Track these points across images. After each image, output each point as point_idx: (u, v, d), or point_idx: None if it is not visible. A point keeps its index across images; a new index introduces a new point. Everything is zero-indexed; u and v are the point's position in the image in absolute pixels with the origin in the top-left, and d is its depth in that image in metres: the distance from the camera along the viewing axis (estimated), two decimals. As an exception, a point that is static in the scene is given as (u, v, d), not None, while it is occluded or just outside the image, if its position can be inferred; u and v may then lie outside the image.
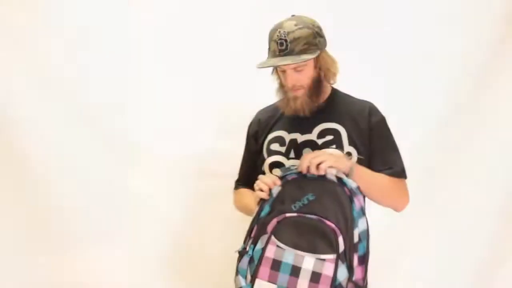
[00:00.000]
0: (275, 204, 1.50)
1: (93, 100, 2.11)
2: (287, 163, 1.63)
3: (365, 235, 1.48)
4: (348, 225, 1.44)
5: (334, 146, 1.61)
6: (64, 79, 2.09)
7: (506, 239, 2.28)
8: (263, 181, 1.51)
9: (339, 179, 1.48)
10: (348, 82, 2.21)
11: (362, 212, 1.49)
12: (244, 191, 1.76)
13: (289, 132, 1.66)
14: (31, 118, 2.07)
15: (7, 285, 2.08)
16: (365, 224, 1.48)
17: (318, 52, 1.58)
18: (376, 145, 1.65)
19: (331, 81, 1.68)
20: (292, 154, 1.63)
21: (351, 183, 1.49)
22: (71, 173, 2.10)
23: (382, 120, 1.69)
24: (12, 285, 2.09)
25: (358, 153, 1.63)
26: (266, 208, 1.50)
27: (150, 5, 2.14)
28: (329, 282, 1.40)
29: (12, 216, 2.09)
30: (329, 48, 2.20)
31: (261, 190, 1.50)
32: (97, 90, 2.11)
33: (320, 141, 1.62)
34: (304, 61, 1.55)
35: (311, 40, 1.56)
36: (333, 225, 1.43)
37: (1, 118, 2.05)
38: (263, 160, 1.68)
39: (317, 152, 1.51)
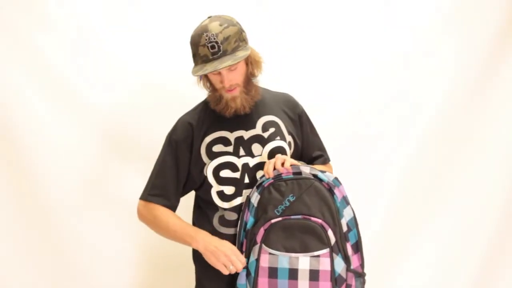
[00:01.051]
0: (258, 213, 1.51)
1: (93, 100, 2.11)
2: (239, 161, 1.61)
3: (353, 223, 1.51)
4: (334, 216, 1.46)
5: (278, 137, 1.64)
6: (64, 79, 2.09)
7: (508, 239, 2.28)
8: (231, 259, 1.49)
9: (315, 175, 1.51)
10: (348, 82, 2.23)
11: (345, 201, 1.52)
12: (170, 215, 1.64)
13: (232, 131, 1.63)
14: (31, 118, 2.06)
15: (7, 285, 2.08)
16: (351, 212, 1.51)
17: (249, 47, 1.57)
18: (307, 132, 1.74)
19: (258, 73, 1.65)
20: (242, 152, 1.62)
21: (329, 176, 1.52)
22: (71, 173, 2.10)
23: (303, 109, 1.76)
24: (12, 285, 2.08)
25: (295, 141, 1.68)
26: (250, 220, 1.52)
27: (150, 5, 2.14)
28: (328, 276, 1.42)
29: (12, 216, 2.08)
30: (332, 49, 2.22)
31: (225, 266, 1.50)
32: (97, 90, 2.11)
33: (265, 135, 1.64)
34: (243, 59, 1.53)
35: (239, 37, 1.54)
36: (320, 221, 1.45)
37: (1, 118, 2.05)
38: (203, 165, 1.62)
39: (276, 157, 1.55)
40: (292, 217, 1.47)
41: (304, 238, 1.45)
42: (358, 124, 2.21)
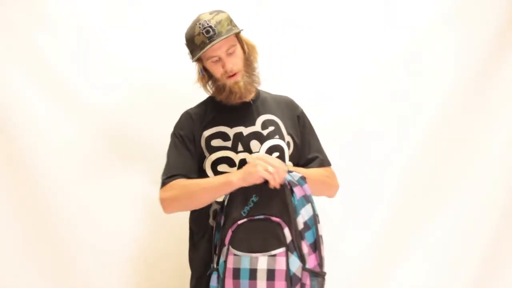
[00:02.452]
0: (227, 212, 1.52)
1: (93, 100, 2.11)
2: (236, 157, 1.63)
3: (313, 222, 1.49)
4: (290, 215, 1.46)
5: (277, 136, 1.66)
6: (64, 79, 2.08)
7: (508, 239, 2.28)
8: (273, 164, 1.46)
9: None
10: (348, 82, 2.23)
11: (306, 200, 1.50)
12: (195, 178, 1.60)
13: (231, 126, 1.66)
14: (31, 118, 2.06)
15: (7, 285, 2.08)
16: (311, 211, 1.50)
17: (239, 29, 1.64)
18: (305, 134, 1.75)
19: (255, 60, 1.70)
20: (240, 148, 1.64)
21: (294, 175, 1.52)
22: (71, 173, 2.10)
23: (303, 111, 1.79)
24: (12, 285, 2.08)
25: (294, 142, 1.70)
26: (224, 220, 1.53)
27: (150, 5, 2.14)
28: (283, 275, 1.41)
29: (12, 216, 2.08)
30: (332, 49, 2.22)
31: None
32: (97, 90, 2.11)
33: (265, 132, 1.66)
34: (236, 32, 1.60)
35: (230, 22, 1.63)
36: (278, 219, 1.46)
37: (1, 118, 2.05)
38: (202, 159, 1.65)
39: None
40: (255, 217, 1.48)
41: (265, 238, 1.45)
42: (358, 124, 2.21)
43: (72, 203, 2.10)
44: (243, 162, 1.61)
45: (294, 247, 1.44)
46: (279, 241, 1.43)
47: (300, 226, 1.46)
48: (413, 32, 2.21)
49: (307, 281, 1.43)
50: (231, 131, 1.65)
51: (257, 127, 1.67)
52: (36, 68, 2.06)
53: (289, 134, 1.69)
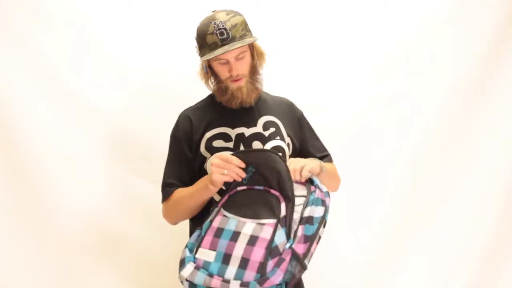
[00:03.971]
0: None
1: (93, 100, 2.11)
2: None
3: (318, 221, 1.47)
4: (289, 190, 1.45)
5: (278, 137, 1.67)
6: (64, 79, 2.08)
7: (508, 239, 2.28)
8: (228, 161, 1.46)
9: (310, 180, 1.52)
10: (348, 82, 2.23)
11: (322, 203, 1.49)
12: (183, 189, 1.64)
13: (233, 127, 1.66)
14: (31, 118, 2.06)
15: (7, 285, 2.08)
16: (322, 213, 1.48)
17: (254, 36, 1.62)
18: (306, 135, 1.76)
19: (261, 68, 1.69)
20: (242, 148, 1.64)
21: (321, 187, 1.51)
22: (71, 173, 2.10)
23: (303, 113, 1.79)
24: (12, 285, 2.08)
25: (293, 143, 1.70)
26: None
27: (151, 5, 2.14)
28: (264, 244, 1.40)
29: (11, 216, 2.08)
30: (332, 49, 2.22)
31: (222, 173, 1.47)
32: (97, 90, 2.11)
33: (266, 133, 1.67)
34: (252, 42, 1.58)
35: (245, 26, 1.61)
36: (277, 193, 1.46)
37: (1, 118, 2.05)
38: (203, 160, 1.65)
39: (293, 160, 1.55)
40: (256, 187, 1.48)
41: (258, 207, 1.45)
42: (358, 124, 2.22)
43: (72, 203, 2.10)
44: None
45: (285, 223, 1.43)
46: (272, 213, 1.43)
47: (306, 214, 1.45)
48: (413, 32, 2.21)
49: (287, 258, 1.39)
50: (232, 132, 1.65)
51: (258, 128, 1.66)
52: (36, 68, 2.06)
53: (288, 135, 1.70)
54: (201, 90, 1.74)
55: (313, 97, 2.14)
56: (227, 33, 1.55)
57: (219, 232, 1.45)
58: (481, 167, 2.26)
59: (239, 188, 1.49)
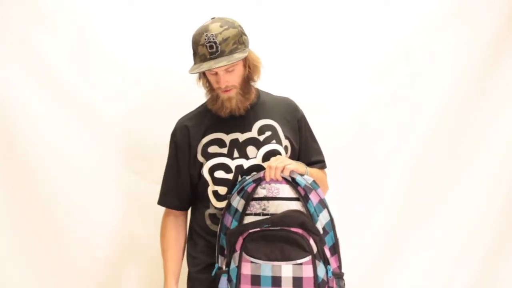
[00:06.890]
0: (241, 219, 1.53)
1: (93, 100, 2.11)
2: (232, 163, 1.64)
3: (330, 226, 1.53)
4: (310, 224, 1.48)
5: (274, 141, 1.67)
6: (64, 79, 2.08)
7: (508, 239, 2.28)
8: None
9: (293, 179, 1.53)
10: (348, 82, 2.23)
11: (322, 205, 1.53)
12: (171, 242, 1.74)
13: (228, 133, 1.67)
14: (31, 118, 2.06)
15: (7, 285, 2.08)
16: (328, 216, 1.53)
17: (247, 50, 1.60)
18: (305, 137, 1.76)
19: (257, 78, 1.69)
20: (236, 154, 1.65)
21: (307, 179, 1.54)
22: (71, 173, 2.10)
23: (303, 114, 1.78)
24: (12, 285, 2.08)
25: (292, 146, 1.70)
26: (234, 223, 1.54)
27: (151, 5, 2.14)
28: (312, 282, 1.45)
29: (11, 216, 2.08)
30: (332, 49, 2.22)
31: None
32: (97, 90, 2.11)
33: (261, 138, 1.67)
34: (238, 60, 1.56)
35: (238, 39, 1.58)
36: (300, 231, 1.47)
37: (1, 118, 2.05)
38: (201, 165, 1.67)
39: (278, 158, 1.57)
40: (271, 228, 1.49)
41: (284, 248, 1.47)
42: (358, 124, 2.21)
43: (72, 203, 2.10)
44: (239, 169, 1.63)
45: (320, 256, 1.48)
46: (303, 250, 1.46)
47: (320, 231, 1.49)
48: (413, 32, 2.21)
49: (333, 284, 1.49)
50: (227, 138, 1.66)
51: (253, 133, 1.67)
52: (36, 68, 2.06)
53: (286, 138, 1.69)
54: (201, 91, 1.74)
55: (313, 97, 2.14)
56: (216, 47, 1.54)
57: (255, 279, 1.47)
58: (481, 167, 2.26)
59: (251, 231, 1.49)
